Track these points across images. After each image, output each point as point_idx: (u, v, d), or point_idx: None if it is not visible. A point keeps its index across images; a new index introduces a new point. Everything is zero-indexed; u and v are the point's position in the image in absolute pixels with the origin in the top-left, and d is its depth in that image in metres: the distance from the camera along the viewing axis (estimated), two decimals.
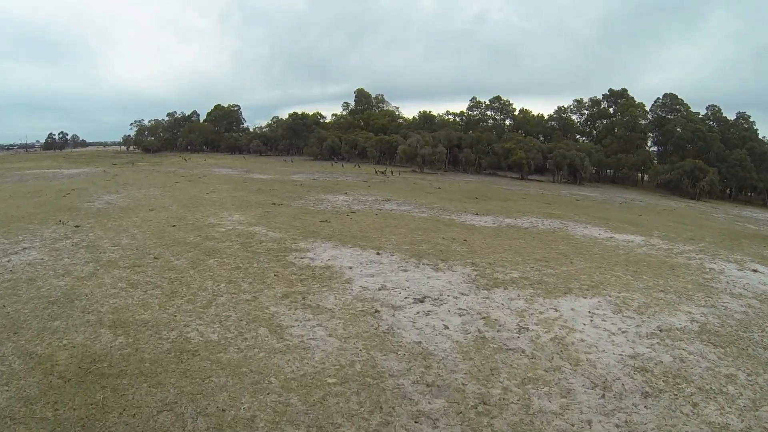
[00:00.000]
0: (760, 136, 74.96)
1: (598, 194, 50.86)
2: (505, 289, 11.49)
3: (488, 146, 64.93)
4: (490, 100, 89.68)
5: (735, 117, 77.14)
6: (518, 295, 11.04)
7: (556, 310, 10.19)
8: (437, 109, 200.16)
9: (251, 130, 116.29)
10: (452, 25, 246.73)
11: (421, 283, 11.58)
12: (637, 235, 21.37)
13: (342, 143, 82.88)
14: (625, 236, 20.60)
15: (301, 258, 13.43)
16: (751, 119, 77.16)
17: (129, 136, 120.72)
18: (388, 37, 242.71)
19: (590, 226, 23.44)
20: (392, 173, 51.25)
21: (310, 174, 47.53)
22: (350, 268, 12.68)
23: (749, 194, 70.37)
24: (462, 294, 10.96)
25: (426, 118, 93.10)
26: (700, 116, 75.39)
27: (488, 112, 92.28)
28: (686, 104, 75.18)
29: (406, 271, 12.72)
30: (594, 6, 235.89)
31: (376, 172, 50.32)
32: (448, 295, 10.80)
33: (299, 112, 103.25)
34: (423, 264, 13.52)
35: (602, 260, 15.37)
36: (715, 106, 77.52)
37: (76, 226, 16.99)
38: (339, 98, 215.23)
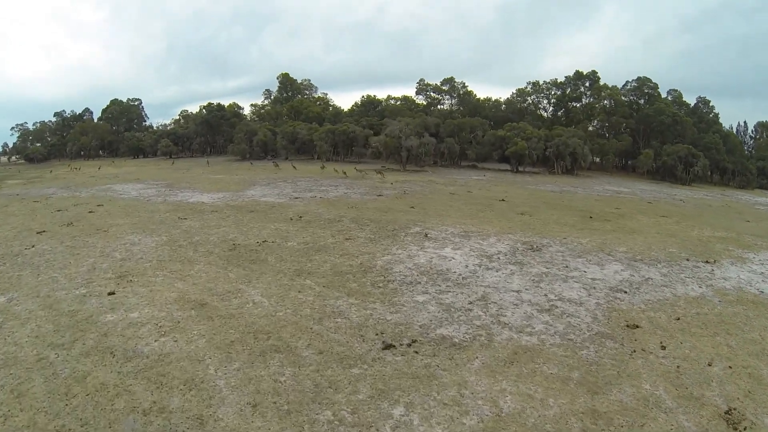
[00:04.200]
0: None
1: (624, 188, 39.06)
2: None
3: (472, 135, 50.41)
4: (440, 83, 75.25)
5: (695, 102, 70.82)
6: None
7: None
8: (339, 101, 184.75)
9: (156, 128, 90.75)
10: (354, 15, 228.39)
11: None
12: None
13: (277, 137, 63.83)
14: None
15: None
16: (711, 104, 71.14)
17: (14, 144, 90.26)
18: (287, 29, 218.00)
19: None
20: (381, 174, 34.90)
21: (272, 186, 29.52)
22: None
23: (723, 177, 63.77)
24: None
25: (370, 104, 76.51)
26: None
27: (434, 95, 77.61)
28: (657, 88, 66.50)
29: None
30: None
31: (370, 174, 33.58)
32: None
33: (214, 104, 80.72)
34: None
35: None
36: (676, 90, 70.00)
37: None
38: (240, 92, 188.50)
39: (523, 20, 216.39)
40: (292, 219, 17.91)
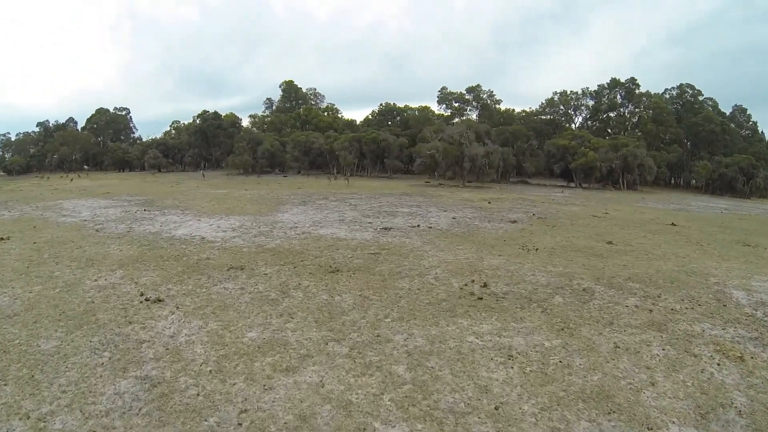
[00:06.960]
0: None
1: (710, 203, 31.12)
2: None
3: (527, 144, 41.82)
4: (466, 90, 66.83)
5: (731, 111, 64.20)
6: None
7: None
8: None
9: (144, 140, 79.28)
10: (346, 35, 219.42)
11: None
12: None
13: (287, 148, 54.08)
14: None
15: None
16: (748, 112, 64.70)
17: None
18: (281, 49, 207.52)
19: None
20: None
21: (314, 206, 19.97)
22: None
23: None
24: None
25: (389, 112, 67.60)
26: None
27: (457, 104, 68.89)
28: (699, 94, 59.55)
29: None
30: (486, 12, 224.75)
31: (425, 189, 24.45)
32: None
33: (210, 112, 70.12)
34: None
35: None
36: (712, 99, 63.14)
37: None
38: (234, 110, 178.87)
39: (516, 38, 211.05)
40: (481, 297, 7.95)
